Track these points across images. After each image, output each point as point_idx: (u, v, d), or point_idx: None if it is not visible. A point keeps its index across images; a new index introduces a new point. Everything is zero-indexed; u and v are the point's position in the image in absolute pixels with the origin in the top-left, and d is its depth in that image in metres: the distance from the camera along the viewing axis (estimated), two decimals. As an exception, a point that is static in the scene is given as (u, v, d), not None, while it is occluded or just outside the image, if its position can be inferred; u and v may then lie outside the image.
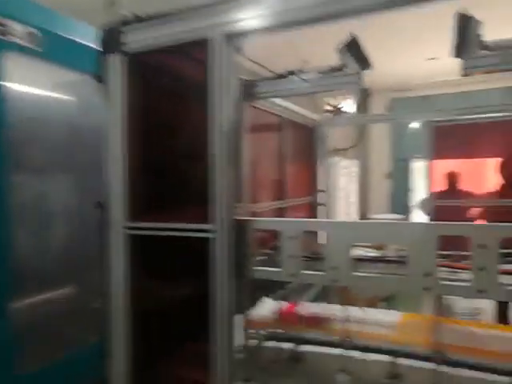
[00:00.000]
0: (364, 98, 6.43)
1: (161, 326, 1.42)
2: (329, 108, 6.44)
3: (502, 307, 2.97)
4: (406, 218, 3.80)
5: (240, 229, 1.22)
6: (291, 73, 1.91)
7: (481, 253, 0.98)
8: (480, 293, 0.99)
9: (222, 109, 1.19)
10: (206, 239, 1.19)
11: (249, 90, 1.93)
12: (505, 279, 1.02)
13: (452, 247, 1.26)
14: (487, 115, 2.62)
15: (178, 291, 1.46)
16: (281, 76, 1.93)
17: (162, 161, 1.45)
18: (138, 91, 1.36)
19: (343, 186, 5.41)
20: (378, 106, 6.52)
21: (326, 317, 1.50)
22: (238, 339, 1.28)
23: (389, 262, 1.20)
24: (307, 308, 1.58)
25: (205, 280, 1.18)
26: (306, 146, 2.99)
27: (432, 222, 1.03)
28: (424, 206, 3.23)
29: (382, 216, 3.51)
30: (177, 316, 1.43)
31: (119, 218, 1.33)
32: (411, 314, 1.53)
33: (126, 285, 1.33)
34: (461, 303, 3.01)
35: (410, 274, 1.05)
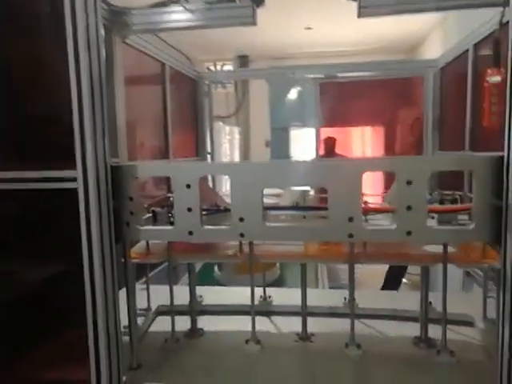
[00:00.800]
0: (243, 65, 6.33)
1: (15, 316, 1.06)
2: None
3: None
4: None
5: (118, 177, 0.93)
6: (173, 1, 1.61)
7: (407, 190, 0.86)
8: (409, 235, 0.87)
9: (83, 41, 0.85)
10: (72, 192, 0.87)
11: (118, 20, 1.58)
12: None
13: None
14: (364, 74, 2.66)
15: (39, 267, 1.10)
16: (160, 4, 1.62)
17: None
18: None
19: (227, 153, 5.27)
20: (255, 74, 6.48)
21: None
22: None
23: (304, 209, 1.03)
24: None
25: (75, 247, 0.88)
26: (190, 103, 2.71)
27: (355, 159, 0.86)
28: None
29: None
30: (40, 299, 1.09)
31: None
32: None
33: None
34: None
35: (332, 220, 0.89)
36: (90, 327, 0.88)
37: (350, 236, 0.89)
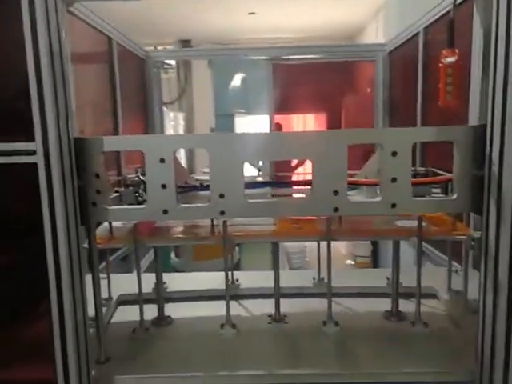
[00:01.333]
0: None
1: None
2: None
3: None
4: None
5: (82, 152, 0.83)
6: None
7: (392, 162, 0.85)
8: (393, 207, 0.86)
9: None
10: (31, 167, 0.77)
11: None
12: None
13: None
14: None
15: None
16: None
17: None
18: None
19: (172, 139, 5.09)
20: (198, 61, 6.35)
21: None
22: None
23: (286, 184, 0.99)
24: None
25: (36, 230, 0.77)
26: (139, 84, 2.57)
27: (341, 130, 0.83)
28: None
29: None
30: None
31: None
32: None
33: None
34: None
35: (317, 194, 0.86)
36: (55, 318, 0.79)
37: (336, 210, 0.86)
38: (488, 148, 0.79)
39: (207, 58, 3.65)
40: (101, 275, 1.29)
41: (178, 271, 2.39)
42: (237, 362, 0.96)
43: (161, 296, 1.20)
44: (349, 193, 1.06)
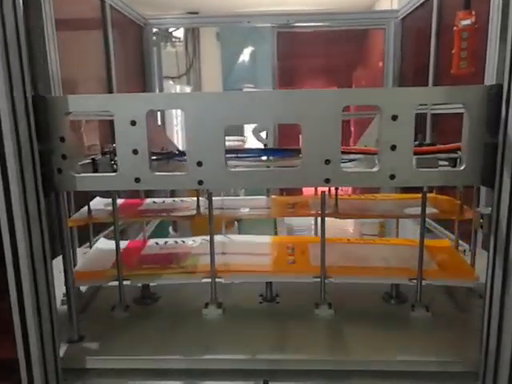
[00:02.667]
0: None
1: None
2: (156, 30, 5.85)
3: None
4: (244, 141, 3.63)
5: (44, 113, 0.75)
6: None
7: (392, 126, 0.74)
8: (392, 179, 0.76)
9: None
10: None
11: None
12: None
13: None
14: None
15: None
16: None
17: None
18: None
19: (178, 113, 4.99)
20: (206, 34, 6.20)
21: (181, 252, 1.14)
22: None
23: (274, 152, 0.90)
24: (154, 247, 1.20)
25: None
26: (136, 55, 2.45)
27: (334, 90, 0.73)
28: (255, 133, 3.09)
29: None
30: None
31: None
32: (280, 238, 1.27)
33: None
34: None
35: (306, 163, 0.76)
36: (13, 295, 0.72)
37: (327, 181, 0.77)
38: (504, 110, 0.69)
39: (208, 26, 3.51)
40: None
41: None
42: (218, 344, 0.89)
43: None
44: (347, 164, 0.97)
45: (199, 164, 0.76)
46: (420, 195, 0.95)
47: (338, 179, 0.77)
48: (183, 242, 1.21)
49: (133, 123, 0.75)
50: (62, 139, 0.77)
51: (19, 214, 0.69)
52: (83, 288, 1.14)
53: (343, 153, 0.87)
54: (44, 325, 0.75)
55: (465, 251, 1.27)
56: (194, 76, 6.55)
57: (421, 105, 0.76)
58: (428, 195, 1.15)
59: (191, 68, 6.54)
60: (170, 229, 2.45)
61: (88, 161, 0.87)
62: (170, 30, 6.08)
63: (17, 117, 0.68)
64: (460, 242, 1.44)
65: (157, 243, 1.21)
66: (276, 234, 2.56)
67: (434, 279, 0.96)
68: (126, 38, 2.26)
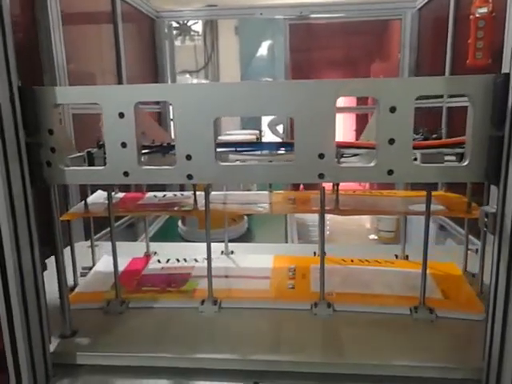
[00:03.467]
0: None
1: None
2: (176, 25, 5.85)
3: None
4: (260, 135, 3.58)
5: (32, 104, 0.73)
6: None
7: (390, 119, 0.70)
8: (390, 174, 0.72)
9: None
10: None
11: None
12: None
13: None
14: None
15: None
16: None
17: None
18: None
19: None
20: (225, 27, 6.17)
21: (182, 273, 1.14)
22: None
23: (267, 146, 0.87)
24: (156, 268, 1.19)
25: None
26: (149, 49, 2.44)
27: (328, 80, 0.69)
28: (271, 126, 3.04)
29: (236, 132, 3.24)
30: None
31: None
32: (282, 258, 1.24)
33: None
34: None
35: (299, 158, 0.73)
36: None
37: (321, 176, 0.73)
38: (510, 101, 0.64)
39: (221, 18, 3.47)
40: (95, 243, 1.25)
41: (184, 239, 2.32)
42: (211, 343, 0.86)
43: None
44: (351, 159, 0.93)
45: (188, 157, 0.74)
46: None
47: (333, 174, 0.73)
48: (185, 260, 1.22)
49: (121, 115, 0.73)
50: (51, 132, 0.75)
51: (4, 207, 0.68)
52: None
53: (341, 147, 0.83)
54: (31, 318, 0.75)
55: (477, 250, 1.21)
56: (212, 70, 6.53)
57: (436, 97, 0.72)
58: (436, 192, 1.10)
59: (209, 62, 6.53)
60: (179, 222, 2.45)
61: (81, 154, 0.85)
62: (189, 23, 6.09)
63: (0, 108, 0.67)
64: (474, 239, 1.38)
65: (159, 261, 1.22)
66: (286, 228, 2.53)
67: (437, 309, 0.92)
68: (137, 31, 2.25)
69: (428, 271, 0.92)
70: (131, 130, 0.74)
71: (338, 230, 3.74)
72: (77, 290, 1.08)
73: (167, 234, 2.47)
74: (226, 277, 1.13)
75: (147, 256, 1.26)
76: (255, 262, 1.20)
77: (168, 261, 1.22)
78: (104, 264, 1.18)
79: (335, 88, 0.70)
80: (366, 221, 3.92)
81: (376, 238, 3.60)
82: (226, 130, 4.54)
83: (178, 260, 1.22)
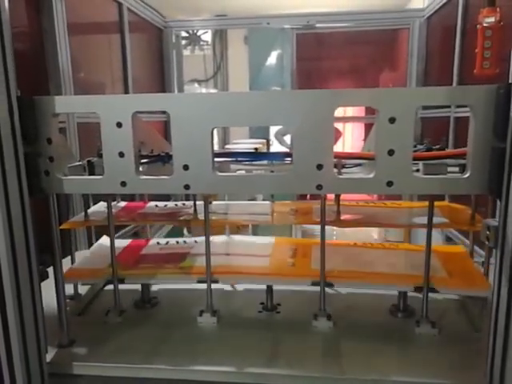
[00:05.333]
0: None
1: None
2: (185, 35, 5.90)
3: None
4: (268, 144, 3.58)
5: (30, 114, 0.74)
6: None
7: (390, 130, 0.69)
8: (390, 186, 0.71)
9: None
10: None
11: None
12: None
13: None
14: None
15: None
16: None
17: None
18: None
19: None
20: (234, 37, 6.21)
21: (180, 252, 1.12)
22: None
23: (265, 156, 0.86)
24: (155, 246, 1.18)
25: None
26: (156, 58, 2.45)
27: (326, 90, 0.69)
28: (278, 136, 3.04)
29: (243, 141, 3.23)
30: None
31: None
32: (284, 239, 1.22)
33: None
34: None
35: (297, 169, 0.72)
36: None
37: (319, 187, 0.72)
38: None
39: (229, 28, 3.48)
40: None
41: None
42: (207, 355, 0.85)
43: (144, 276, 1.11)
44: (353, 169, 0.92)
45: (185, 167, 0.73)
46: (435, 203, 0.89)
47: (331, 186, 0.72)
48: (185, 242, 1.19)
49: (119, 125, 0.73)
50: (49, 141, 0.76)
51: (0, 217, 0.68)
52: (82, 291, 1.14)
53: (340, 157, 0.83)
54: (27, 327, 0.74)
55: (483, 262, 1.19)
56: (221, 79, 6.57)
57: (443, 107, 0.71)
58: (440, 203, 1.09)
59: (218, 71, 6.57)
60: (185, 230, 2.45)
61: (79, 163, 0.86)
62: (199, 33, 6.14)
63: (-1, 118, 0.67)
64: (480, 251, 1.36)
65: (158, 243, 1.19)
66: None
67: (441, 287, 0.90)
68: (144, 40, 2.27)
69: (433, 252, 0.89)
70: (129, 139, 0.74)
71: (344, 239, 3.72)
72: (72, 266, 1.06)
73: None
74: (226, 254, 1.10)
75: (147, 240, 1.25)
76: (256, 242, 1.18)
77: (167, 243, 1.20)
78: (102, 244, 1.16)
79: (333, 98, 0.69)
80: (373, 231, 3.88)
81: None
82: (234, 139, 4.55)
83: (177, 242, 1.20)
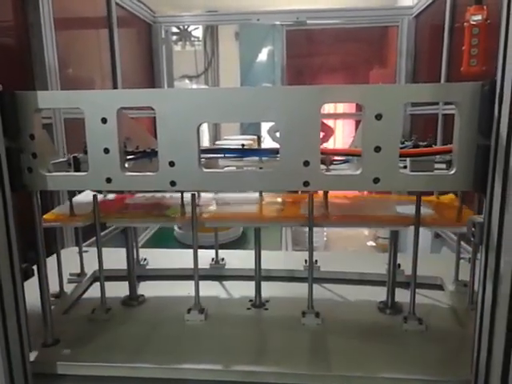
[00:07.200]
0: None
1: None
2: (176, 30, 5.87)
3: None
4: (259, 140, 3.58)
5: (11, 109, 0.72)
6: None
7: (376, 126, 0.69)
8: (376, 183, 0.71)
9: None
10: None
11: None
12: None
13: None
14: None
15: None
16: None
17: None
18: None
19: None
20: (225, 33, 6.19)
21: (166, 203, 1.10)
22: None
23: (252, 152, 0.86)
24: (141, 198, 1.16)
25: None
26: (145, 54, 2.43)
27: (313, 86, 0.68)
28: (271, 133, 3.03)
29: (234, 137, 3.22)
30: None
31: None
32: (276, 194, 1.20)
33: None
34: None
35: (284, 165, 0.71)
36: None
37: (306, 184, 0.72)
38: (496, 109, 0.63)
39: (220, 24, 3.46)
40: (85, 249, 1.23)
41: (180, 243, 2.31)
42: (195, 353, 0.85)
43: (131, 274, 1.11)
44: (342, 166, 0.92)
45: (171, 164, 0.73)
46: (424, 197, 0.89)
47: (318, 182, 0.72)
48: (171, 196, 1.15)
49: (104, 121, 0.72)
50: (32, 137, 0.74)
51: None
52: (68, 289, 1.12)
53: (326, 154, 0.82)
54: (9, 326, 0.73)
55: (469, 259, 1.20)
56: (212, 75, 6.54)
57: (431, 104, 0.71)
58: (428, 198, 1.09)
59: (209, 67, 6.54)
60: (176, 227, 2.44)
61: (64, 159, 0.84)
62: (189, 29, 6.11)
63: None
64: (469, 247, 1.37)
65: (144, 196, 1.17)
66: (281, 231, 2.50)
67: (430, 225, 0.92)
68: (133, 36, 2.24)
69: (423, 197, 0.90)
70: (114, 135, 0.73)
71: (335, 235, 3.71)
72: (53, 211, 1.03)
73: (163, 237, 2.45)
74: (215, 203, 1.09)
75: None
76: (244, 195, 1.15)
77: (154, 196, 1.16)
78: (85, 195, 1.11)
79: (320, 94, 0.69)
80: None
81: (374, 244, 3.58)
82: (225, 135, 4.54)
83: (165, 196, 1.16)
